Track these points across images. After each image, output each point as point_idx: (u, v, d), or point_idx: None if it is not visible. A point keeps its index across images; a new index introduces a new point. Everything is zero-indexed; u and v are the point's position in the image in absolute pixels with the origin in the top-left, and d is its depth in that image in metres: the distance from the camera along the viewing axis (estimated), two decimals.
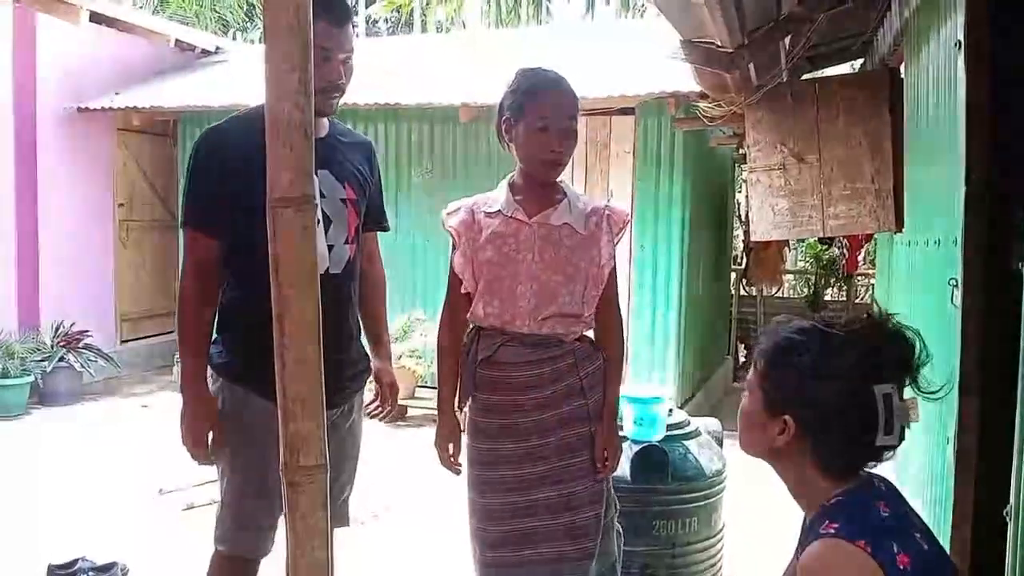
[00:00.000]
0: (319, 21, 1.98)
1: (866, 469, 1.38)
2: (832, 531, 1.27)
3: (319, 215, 2.08)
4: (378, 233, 2.48)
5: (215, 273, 2.11)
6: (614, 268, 2.31)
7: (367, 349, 2.41)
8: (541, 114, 2.18)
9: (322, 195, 2.10)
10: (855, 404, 1.31)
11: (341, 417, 2.25)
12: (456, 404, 2.36)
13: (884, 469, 1.41)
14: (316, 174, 2.06)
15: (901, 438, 1.33)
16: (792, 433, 1.36)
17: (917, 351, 1.35)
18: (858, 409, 1.31)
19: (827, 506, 1.33)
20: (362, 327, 2.37)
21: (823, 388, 1.33)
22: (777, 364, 1.39)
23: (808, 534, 1.34)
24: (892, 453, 1.36)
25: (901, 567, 1.24)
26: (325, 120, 2.20)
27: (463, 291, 2.31)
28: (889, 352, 1.34)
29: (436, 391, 2.42)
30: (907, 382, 1.34)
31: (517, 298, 2.22)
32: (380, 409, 2.46)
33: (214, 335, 2.17)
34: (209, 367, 2.15)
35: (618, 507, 2.41)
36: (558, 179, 2.31)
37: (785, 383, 1.37)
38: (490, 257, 2.24)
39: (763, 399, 1.39)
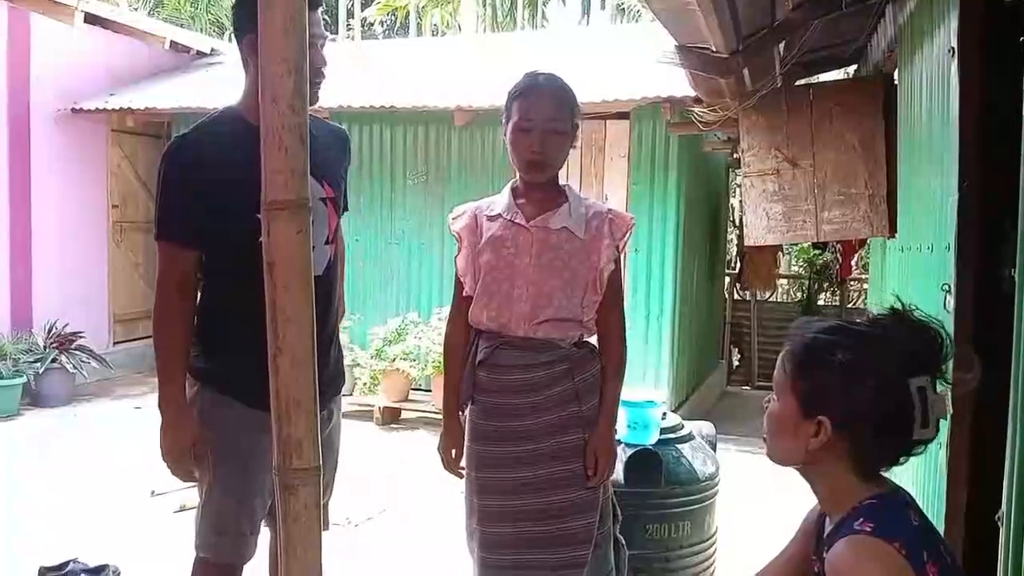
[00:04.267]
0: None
1: (889, 473, 1.37)
2: (868, 529, 1.25)
3: None
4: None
5: (194, 284, 2.08)
6: (617, 272, 2.30)
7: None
8: (524, 115, 2.19)
9: None
10: (891, 400, 1.29)
11: (321, 424, 2.23)
12: (459, 404, 2.36)
13: None
14: None
15: (936, 431, 1.31)
16: (827, 435, 1.32)
17: (944, 342, 1.32)
18: (894, 405, 1.29)
19: (860, 506, 1.31)
20: None
21: (859, 386, 1.29)
22: (809, 365, 1.35)
23: (837, 532, 1.31)
24: (924, 448, 1.34)
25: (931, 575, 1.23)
26: None
27: (466, 294, 2.31)
28: (919, 344, 1.31)
29: (430, 394, 2.42)
30: (937, 374, 1.32)
31: (513, 301, 2.22)
32: None
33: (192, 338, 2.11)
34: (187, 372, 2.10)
35: (620, 518, 2.41)
36: (563, 183, 2.32)
37: (819, 384, 1.33)
38: (488, 260, 2.25)
39: (796, 402, 1.35)
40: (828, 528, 1.38)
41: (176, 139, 2.13)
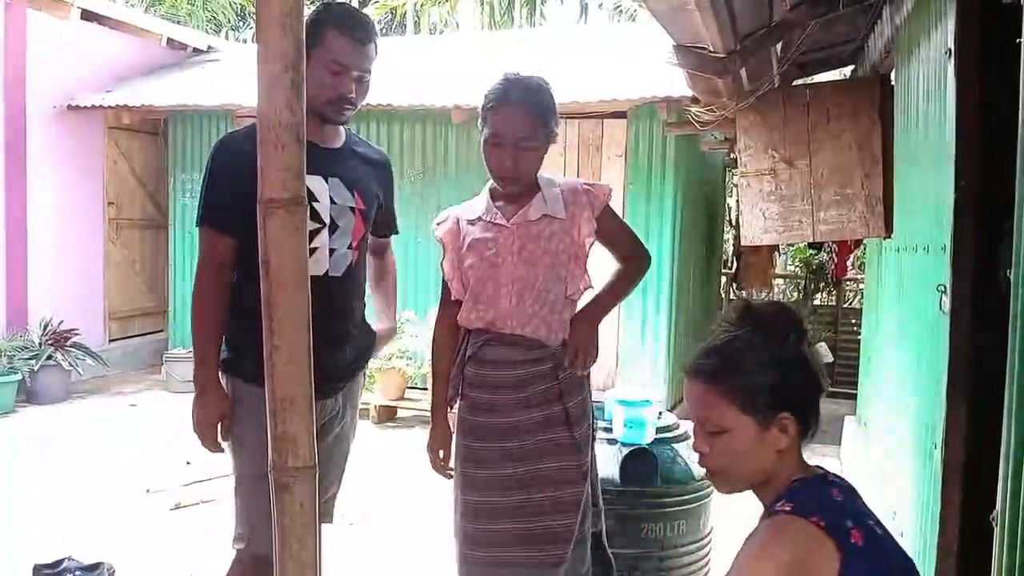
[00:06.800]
0: (342, 36, 2.07)
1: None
2: (788, 509, 1.33)
3: (327, 219, 2.13)
4: None
5: (229, 269, 2.16)
6: (608, 220, 2.34)
7: (373, 325, 2.48)
8: (495, 131, 2.22)
9: (332, 201, 2.16)
10: (806, 369, 1.43)
11: (335, 418, 2.28)
12: (447, 402, 2.38)
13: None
14: (327, 181, 2.13)
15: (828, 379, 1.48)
16: (795, 425, 1.40)
17: (792, 307, 1.51)
18: (809, 371, 1.43)
19: (782, 491, 1.39)
20: (374, 306, 2.46)
21: (787, 370, 1.41)
22: (739, 379, 1.41)
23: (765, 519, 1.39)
24: None
25: (854, 541, 1.29)
26: (341, 130, 2.27)
27: (454, 298, 2.36)
28: (789, 318, 1.46)
29: (426, 392, 2.44)
30: (806, 335, 1.46)
31: (500, 300, 2.25)
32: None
33: None
34: None
35: (601, 508, 2.40)
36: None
37: (762, 388, 1.40)
38: (472, 263, 2.29)
39: (750, 419, 1.40)
40: None
41: (225, 136, 2.24)
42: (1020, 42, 1.81)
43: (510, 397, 2.25)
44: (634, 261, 2.40)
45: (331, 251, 2.15)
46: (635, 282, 2.44)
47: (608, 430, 2.87)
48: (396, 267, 2.63)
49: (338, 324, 2.21)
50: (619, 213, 2.48)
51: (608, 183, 6.11)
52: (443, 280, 2.40)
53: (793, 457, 1.42)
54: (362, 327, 2.36)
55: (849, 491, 1.42)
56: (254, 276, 2.04)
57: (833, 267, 8.91)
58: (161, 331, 8.19)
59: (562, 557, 2.23)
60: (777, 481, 1.41)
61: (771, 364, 1.40)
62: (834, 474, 1.46)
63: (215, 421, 2.15)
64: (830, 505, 1.35)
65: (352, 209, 2.20)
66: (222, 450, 2.20)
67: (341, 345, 2.24)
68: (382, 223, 2.42)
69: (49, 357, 6.53)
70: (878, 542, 1.34)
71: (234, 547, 2.21)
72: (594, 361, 2.31)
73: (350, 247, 2.21)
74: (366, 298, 2.40)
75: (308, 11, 1.62)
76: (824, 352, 1.47)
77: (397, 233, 2.57)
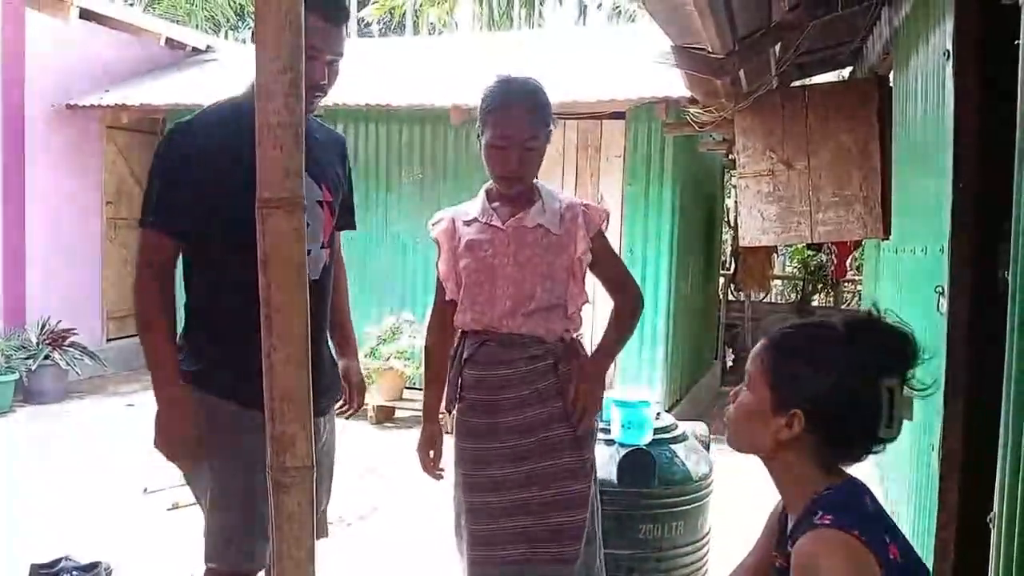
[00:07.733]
0: (312, 16, 1.81)
1: (884, 472, 1.41)
2: (827, 522, 1.29)
3: None
4: (361, 234, 2.40)
5: (173, 275, 2.02)
6: (604, 248, 2.33)
7: (334, 352, 2.32)
8: (498, 132, 2.20)
9: None
10: (864, 398, 1.34)
11: (315, 434, 2.19)
12: (444, 406, 2.37)
13: (870, 473, 1.42)
14: None
15: (899, 432, 1.37)
16: (800, 428, 1.36)
17: (915, 347, 1.37)
18: (865, 403, 1.34)
19: (818, 499, 1.35)
20: (329, 327, 2.27)
21: (835, 383, 1.34)
22: (787, 359, 1.39)
23: (799, 528, 1.36)
24: (884, 447, 1.39)
25: (892, 557, 1.27)
26: None
27: (448, 298, 2.34)
28: (892, 347, 1.36)
29: (423, 393, 2.44)
30: (906, 377, 1.36)
31: (496, 301, 2.25)
32: (346, 408, 2.38)
33: (179, 341, 2.06)
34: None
35: (600, 520, 2.41)
36: (535, 180, 2.33)
37: (796, 378, 1.37)
38: (468, 264, 2.28)
39: (770, 395, 1.39)
40: (790, 524, 1.42)
41: (174, 127, 2.06)
42: (1018, 44, 1.81)
43: (511, 396, 2.24)
44: (629, 299, 2.38)
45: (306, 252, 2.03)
46: (635, 320, 2.43)
47: (606, 431, 2.87)
48: (347, 278, 2.44)
49: (318, 332, 2.08)
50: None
51: (607, 183, 6.05)
52: (437, 280, 2.39)
53: (805, 458, 1.39)
54: (327, 341, 2.25)
55: (874, 497, 1.40)
56: (223, 286, 1.91)
57: (832, 268, 8.92)
58: None
59: (576, 553, 2.23)
60: (802, 485, 1.38)
61: (829, 367, 1.35)
62: (857, 478, 1.43)
63: (184, 434, 1.98)
64: (866, 517, 1.33)
65: (320, 203, 2.08)
66: (189, 469, 2.06)
67: (323, 356, 2.13)
68: (343, 212, 2.25)
69: (46, 357, 6.52)
70: (911, 556, 1.33)
71: (207, 564, 2.06)
72: (595, 413, 2.30)
73: (322, 246, 2.09)
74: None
75: None
76: (910, 409, 1.39)
77: (355, 228, 2.38)
